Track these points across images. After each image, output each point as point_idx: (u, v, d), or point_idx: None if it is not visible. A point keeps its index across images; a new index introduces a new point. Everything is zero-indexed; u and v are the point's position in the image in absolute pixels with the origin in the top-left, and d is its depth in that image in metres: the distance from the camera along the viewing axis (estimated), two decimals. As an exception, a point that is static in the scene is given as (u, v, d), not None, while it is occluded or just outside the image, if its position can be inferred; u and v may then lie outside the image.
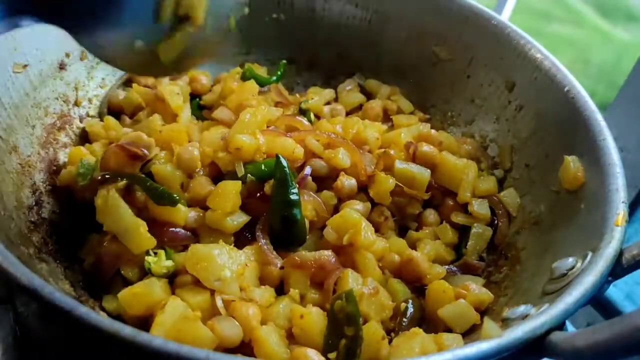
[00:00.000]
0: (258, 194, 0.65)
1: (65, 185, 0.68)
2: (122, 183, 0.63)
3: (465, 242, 0.71)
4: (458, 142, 0.82)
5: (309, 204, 0.66)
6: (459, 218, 0.72)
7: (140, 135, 0.68)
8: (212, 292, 0.57)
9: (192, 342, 0.49)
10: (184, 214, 0.62)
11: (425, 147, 0.73)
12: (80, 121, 0.78)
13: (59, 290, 0.43)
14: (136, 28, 0.49)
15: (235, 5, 0.58)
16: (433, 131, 0.79)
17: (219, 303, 0.55)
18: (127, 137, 0.68)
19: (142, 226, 0.58)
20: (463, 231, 0.73)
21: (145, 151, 0.66)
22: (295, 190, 0.63)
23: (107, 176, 0.64)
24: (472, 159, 0.79)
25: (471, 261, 0.69)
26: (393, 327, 0.60)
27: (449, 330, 0.58)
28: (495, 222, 0.73)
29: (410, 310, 0.60)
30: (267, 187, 0.65)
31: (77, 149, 0.70)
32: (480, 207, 0.72)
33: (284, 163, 0.64)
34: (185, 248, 0.60)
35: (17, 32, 0.65)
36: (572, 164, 0.63)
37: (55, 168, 0.71)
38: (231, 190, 0.62)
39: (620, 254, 0.52)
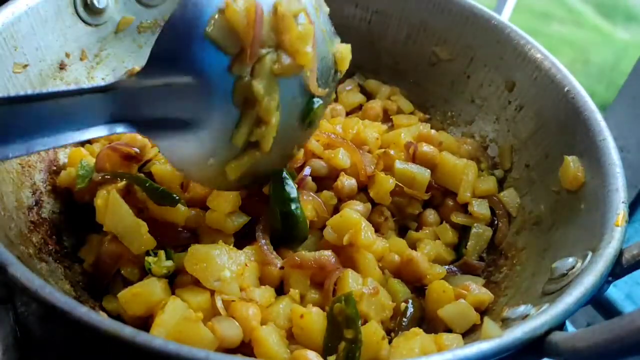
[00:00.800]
0: (258, 194, 0.65)
1: (65, 187, 0.68)
2: (122, 183, 0.63)
3: (465, 242, 0.71)
4: (458, 142, 0.82)
5: (308, 204, 0.66)
6: (459, 218, 0.72)
7: (135, 135, 0.68)
8: (212, 293, 0.57)
9: (193, 343, 0.49)
10: (183, 214, 0.62)
11: (425, 147, 0.73)
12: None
13: (59, 291, 0.43)
14: (213, 147, 0.53)
15: (302, 139, 0.63)
16: (433, 131, 0.79)
17: (219, 303, 0.55)
18: (123, 138, 0.68)
19: (143, 227, 0.58)
20: (463, 231, 0.73)
21: (137, 150, 0.66)
22: (293, 187, 0.63)
23: (106, 177, 0.64)
24: (472, 159, 0.79)
25: (471, 261, 0.69)
26: (393, 327, 0.60)
27: (449, 330, 0.58)
28: (495, 222, 0.73)
29: (410, 310, 0.60)
30: (266, 188, 0.65)
31: (76, 150, 0.70)
32: (480, 207, 0.72)
33: (282, 162, 0.64)
34: (185, 248, 0.60)
35: (17, 32, 0.65)
36: (572, 164, 0.63)
37: (55, 168, 0.71)
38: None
39: (620, 254, 0.52)
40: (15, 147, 0.43)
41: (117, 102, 0.46)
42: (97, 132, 0.47)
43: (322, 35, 0.56)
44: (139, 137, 0.69)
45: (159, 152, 0.70)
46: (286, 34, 0.50)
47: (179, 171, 0.59)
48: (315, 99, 0.57)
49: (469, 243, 0.70)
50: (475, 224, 0.71)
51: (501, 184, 0.77)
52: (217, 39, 0.46)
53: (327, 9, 0.61)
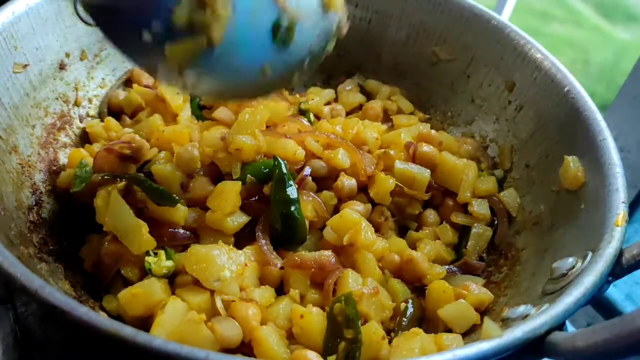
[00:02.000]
0: (258, 194, 0.65)
1: (65, 187, 0.68)
2: (122, 184, 0.63)
3: (465, 242, 0.71)
4: (458, 142, 0.82)
5: (308, 204, 0.66)
6: (459, 218, 0.72)
7: (133, 136, 0.68)
8: (212, 293, 0.57)
9: (194, 343, 0.49)
10: (183, 214, 0.62)
11: (425, 147, 0.73)
12: (81, 121, 0.78)
13: (59, 291, 0.43)
14: (147, 17, 0.48)
15: (279, 62, 0.56)
16: (433, 131, 0.79)
17: (219, 304, 0.55)
18: (121, 138, 0.69)
19: (144, 227, 0.58)
20: (463, 231, 0.73)
21: (131, 149, 0.66)
22: (294, 188, 0.63)
23: (106, 177, 0.64)
24: (472, 159, 0.79)
25: (471, 261, 0.69)
26: (393, 327, 0.60)
27: (449, 330, 0.58)
28: (495, 222, 0.73)
29: (410, 310, 0.60)
30: (267, 189, 0.65)
31: (76, 151, 0.70)
32: (480, 207, 0.72)
33: (282, 162, 0.64)
34: (185, 248, 0.60)
35: (17, 32, 0.65)
36: (572, 164, 0.63)
37: (55, 168, 0.71)
38: (231, 190, 0.62)
39: (620, 254, 0.52)
40: None
41: None
42: None
43: None
44: (137, 137, 0.69)
45: (158, 152, 0.70)
46: None
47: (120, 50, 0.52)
48: (285, 16, 0.53)
49: (469, 243, 0.70)
50: (475, 224, 0.71)
51: (501, 184, 0.77)
52: None
53: None
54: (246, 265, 0.59)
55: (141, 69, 0.56)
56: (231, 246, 0.60)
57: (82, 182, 0.65)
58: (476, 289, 0.61)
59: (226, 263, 0.57)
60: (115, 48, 0.52)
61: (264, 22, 0.53)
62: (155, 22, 0.48)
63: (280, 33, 0.54)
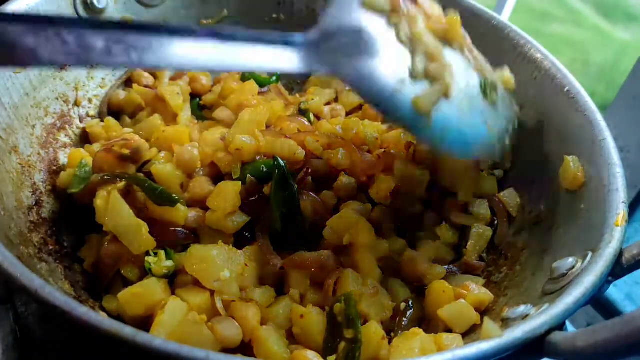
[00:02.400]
0: (258, 194, 0.65)
1: (65, 188, 0.68)
2: (122, 184, 0.63)
3: (465, 242, 0.71)
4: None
5: (308, 203, 0.66)
6: (459, 218, 0.72)
7: (132, 136, 0.68)
8: (212, 293, 0.57)
9: (195, 344, 0.49)
10: (183, 214, 0.62)
11: (425, 147, 0.73)
12: (81, 121, 0.78)
13: (59, 291, 0.42)
14: (395, 72, 0.56)
15: (491, 116, 0.65)
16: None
17: (219, 304, 0.55)
18: (119, 141, 0.68)
19: (144, 227, 0.58)
20: (463, 231, 0.73)
21: (130, 149, 0.66)
22: (294, 189, 0.63)
23: (106, 177, 0.64)
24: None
25: (471, 261, 0.69)
26: (393, 327, 0.59)
27: (449, 330, 0.58)
28: (495, 222, 0.73)
29: (410, 310, 0.60)
30: (267, 189, 0.65)
31: (76, 151, 0.70)
32: (480, 207, 0.72)
33: (282, 162, 0.64)
34: (185, 248, 0.60)
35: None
36: (572, 164, 0.63)
37: (55, 168, 0.71)
38: (231, 190, 0.62)
39: (620, 254, 0.52)
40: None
41: (303, 53, 0.53)
42: (290, 69, 0.53)
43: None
44: (135, 137, 0.69)
45: (158, 152, 0.70)
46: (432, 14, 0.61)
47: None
48: (486, 79, 0.64)
49: (469, 243, 0.70)
50: (475, 224, 0.71)
51: (501, 184, 0.77)
52: (372, 4, 0.56)
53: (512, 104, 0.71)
54: (246, 265, 0.59)
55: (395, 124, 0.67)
56: (231, 246, 0.60)
57: (81, 183, 0.65)
58: (476, 289, 0.61)
59: (226, 263, 0.57)
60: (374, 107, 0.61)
61: (474, 82, 0.62)
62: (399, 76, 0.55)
63: (488, 91, 0.63)
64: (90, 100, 0.81)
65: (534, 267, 0.62)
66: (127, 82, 0.85)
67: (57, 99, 0.75)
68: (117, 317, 0.58)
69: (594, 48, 2.45)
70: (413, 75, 0.55)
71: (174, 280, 0.60)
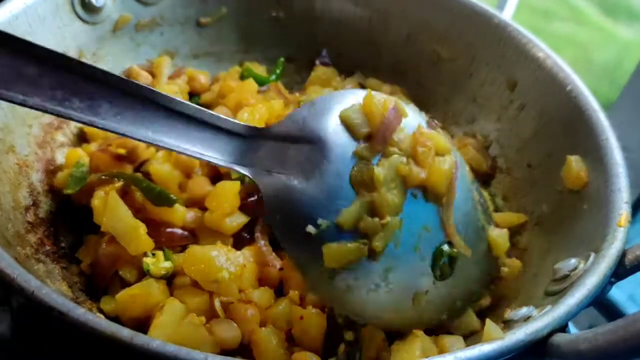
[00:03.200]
0: (257, 195, 0.65)
1: (62, 188, 0.67)
2: (119, 184, 0.62)
3: None
4: (459, 142, 0.81)
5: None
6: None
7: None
8: (211, 294, 0.56)
9: (194, 346, 0.49)
10: (181, 214, 0.62)
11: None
12: (79, 121, 0.78)
13: (56, 292, 0.42)
14: (318, 211, 0.49)
15: (434, 294, 0.53)
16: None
17: (217, 305, 0.55)
18: (114, 141, 0.68)
19: (142, 228, 0.58)
20: None
21: (126, 148, 0.66)
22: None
23: (103, 177, 0.64)
24: (474, 158, 0.79)
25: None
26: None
27: (450, 332, 0.58)
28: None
29: None
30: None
31: (73, 151, 0.70)
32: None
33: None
34: (183, 249, 0.60)
35: (15, 31, 0.65)
36: (575, 163, 0.63)
37: (52, 168, 0.71)
38: (230, 190, 0.62)
39: (623, 254, 0.51)
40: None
41: (242, 147, 0.51)
42: (215, 160, 0.51)
43: (471, 202, 0.56)
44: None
45: (156, 152, 0.70)
46: (421, 153, 0.51)
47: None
48: (448, 246, 0.53)
49: None
50: None
51: (503, 186, 0.77)
52: (350, 119, 0.50)
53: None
54: (245, 266, 0.58)
55: (292, 262, 0.55)
56: (230, 247, 0.60)
57: (78, 184, 0.65)
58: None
59: (225, 264, 0.56)
60: (276, 234, 0.51)
61: (427, 246, 0.52)
62: (321, 219, 0.48)
63: (441, 263, 0.53)
64: (88, 100, 0.80)
65: (536, 268, 0.62)
66: (126, 81, 0.84)
67: (55, 98, 0.74)
68: (115, 318, 0.57)
69: (596, 47, 2.44)
70: (340, 220, 0.48)
71: (173, 281, 0.59)
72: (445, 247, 0.53)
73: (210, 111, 0.53)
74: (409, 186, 0.50)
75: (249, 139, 0.51)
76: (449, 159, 0.53)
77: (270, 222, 0.51)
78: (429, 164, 0.51)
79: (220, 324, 0.53)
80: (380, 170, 0.48)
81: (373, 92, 0.52)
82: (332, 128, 0.50)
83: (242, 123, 0.52)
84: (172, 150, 0.51)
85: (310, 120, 0.50)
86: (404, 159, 0.50)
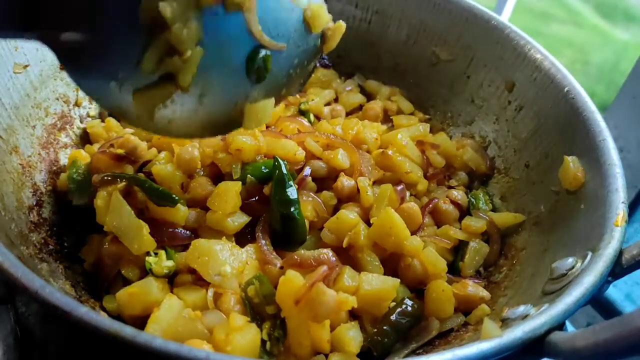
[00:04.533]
0: (258, 195, 0.65)
1: (65, 189, 0.68)
2: (122, 184, 0.63)
3: (461, 255, 0.69)
4: (458, 143, 0.82)
5: (308, 204, 0.66)
6: (454, 233, 0.69)
7: (128, 137, 0.68)
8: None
9: (188, 339, 0.49)
10: (184, 214, 0.62)
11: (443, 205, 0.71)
12: (81, 121, 0.79)
13: (59, 291, 0.43)
14: (115, 70, 0.47)
15: (252, 96, 0.52)
16: (430, 135, 0.79)
17: (210, 295, 0.56)
18: (116, 141, 0.68)
19: (144, 227, 0.58)
20: (456, 251, 0.70)
21: (125, 149, 0.66)
22: (294, 189, 0.63)
23: (106, 178, 0.64)
24: (472, 159, 0.79)
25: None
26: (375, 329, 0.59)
27: (443, 333, 0.59)
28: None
29: (410, 305, 0.60)
30: (267, 189, 0.65)
31: (77, 152, 0.70)
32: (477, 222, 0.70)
33: (282, 163, 0.64)
34: (185, 248, 0.60)
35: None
36: (572, 164, 0.63)
37: (55, 168, 0.71)
38: (231, 190, 0.62)
39: (619, 254, 0.52)
40: None
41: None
42: None
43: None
44: (132, 137, 0.69)
45: (158, 153, 0.70)
46: None
47: (88, 95, 0.51)
48: (262, 49, 0.50)
49: (466, 257, 0.68)
50: (472, 240, 0.69)
51: (500, 185, 0.77)
52: None
53: None
54: (247, 263, 0.59)
55: (109, 111, 0.54)
56: (234, 243, 0.61)
57: (79, 188, 0.66)
58: (473, 290, 0.62)
59: (228, 259, 0.57)
60: (81, 89, 0.50)
61: (238, 56, 0.50)
62: (122, 70, 0.46)
63: (256, 67, 0.51)
64: (90, 101, 0.81)
65: (534, 267, 0.62)
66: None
67: (58, 99, 0.75)
68: (118, 317, 0.58)
69: (593, 48, 2.45)
70: (143, 69, 0.46)
71: (174, 280, 0.60)
72: (261, 52, 0.50)
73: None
74: (204, 4, 0.46)
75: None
76: None
77: (79, 85, 0.49)
78: None
79: (209, 314, 0.54)
80: (167, 5, 0.44)
81: None
82: None
83: None
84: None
85: None
86: None
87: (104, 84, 0.47)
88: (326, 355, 0.54)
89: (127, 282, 0.60)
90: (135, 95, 0.48)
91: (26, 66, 0.68)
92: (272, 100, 0.54)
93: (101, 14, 0.45)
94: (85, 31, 0.45)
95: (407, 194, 0.72)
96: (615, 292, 0.93)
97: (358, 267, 0.62)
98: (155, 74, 0.47)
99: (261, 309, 0.56)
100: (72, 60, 0.47)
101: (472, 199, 0.75)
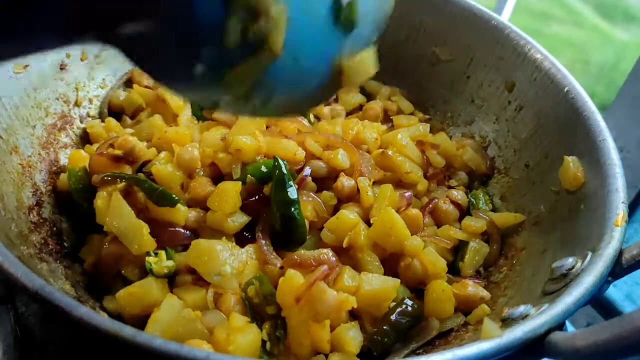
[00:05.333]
0: (258, 195, 0.65)
1: (65, 190, 0.68)
2: (122, 185, 0.63)
3: (461, 255, 0.69)
4: (458, 143, 0.82)
5: (308, 204, 0.66)
6: (454, 233, 0.69)
7: (126, 137, 0.68)
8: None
9: (188, 338, 0.49)
10: (183, 214, 0.62)
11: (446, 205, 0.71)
12: (81, 122, 0.79)
13: (59, 291, 0.43)
14: (195, 47, 0.41)
15: (346, 48, 0.48)
16: (431, 135, 0.79)
17: (209, 296, 0.56)
18: (114, 141, 0.68)
19: (145, 228, 0.59)
20: (456, 251, 0.70)
21: (123, 150, 0.66)
22: (294, 189, 0.63)
23: (106, 178, 0.64)
24: (472, 159, 0.79)
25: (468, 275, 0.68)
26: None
27: (442, 333, 0.59)
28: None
29: (410, 305, 0.60)
30: (267, 189, 0.65)
31: (77, 152, 0.70)
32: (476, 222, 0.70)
33: (282, 163, 0.64)
34: (185, 248, 0.60)
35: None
36: (572, 164, 0.63)
37: (55, 169, 0.71)
38: (231, 190, 0.62)
39: (620, 254, 0.52)
40: None
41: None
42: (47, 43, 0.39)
43: None
44: (130, 138, 0.69)
45: (158, 153, 0.70)
46: None
47: (169, 88, 0.44)
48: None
49: (466, 257, 0.68)
50: (472, 239, 0.69)
51: (500, 185, 0.77)
52: None
53: None
54: (247, 263, 0.59)
55: (199, 103, 0.49)
56: (234, 243, 0.61)
57: (83, 198, 0.66)
58: (473, 290, 0.62)
59: (228, 259, 0.57)
60: (164, 86, 0.44)
61: (322, 5, 0.44)
62: (205, 50, 0.40)
63: (343, 14, 0.46)
64: (90, 101, 0.81)
65: (534, 267, 0.62)
66: (128, 83, 0.85)
67: (58, 99, 0.75)
68: (118, 317, 0.58)
69: (593, 48, 2.45)
70: (226, 43, 0.38)
71: (174, 280, 0.60)
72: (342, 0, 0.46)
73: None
74: None
75: None
76: None
77: (158, 79, 0.43)
78: None
79: (209, 314, 0.54)
80: None
81: None
82: None
83: None
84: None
85: None
86: None
87: (186, 72, 0.41)
88: (326, 355, 0.54)
89: (127, 282, 0.60)
90: (226, 77, 0.41)
91: (26, 66, 0.68)
92: (371, 51, 0.50)
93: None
94: (151, 18, 0.38)
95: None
96: (615, 292, 0.93)
97: (358, 267, 0.62)
98: (242, 46, 0.40)
99: (261, 309, 0.56)
100: (145, 55, 0.41)
101: (472, 199, 0.75)
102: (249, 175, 0.65)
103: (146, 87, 0.83)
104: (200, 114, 0.84)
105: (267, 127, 0.73)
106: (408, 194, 0.71)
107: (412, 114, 0.89)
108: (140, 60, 0.42)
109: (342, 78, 0.49)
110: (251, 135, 0.67)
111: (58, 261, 0.62)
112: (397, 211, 0.65)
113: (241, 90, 0.43)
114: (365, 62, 0.50)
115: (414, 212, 0.68)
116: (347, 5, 0.46)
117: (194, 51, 0.40)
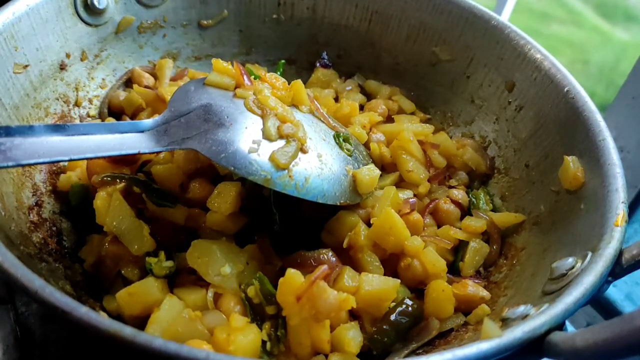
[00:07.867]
0: (258, 195, 0.65)
1: (65, 190, 0.68)
2: (121, 185, 0.63)
3: (462, 255, 0.69)
4: (458, 143, 0.82)
5: (308, 204, 0.66)
6: (454, 233, 0.70)
7: None
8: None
9: (188, 339, 0.49)
10: (183, 214, 0.62)
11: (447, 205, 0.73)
12: (81, 121, 0.79)
13: (59, 291, 0.42)
14: (248, 137, 0.61)
15: (350, 163, 0.69)
16: (432, 133, 0.79)
17: (209, 296, 0.56)
18: None
19: (145, 228, 0.59)
20: (456, 251, 0.70)
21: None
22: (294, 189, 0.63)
23: (106, 178, 0.64)
24: (472, 159, 0.79)
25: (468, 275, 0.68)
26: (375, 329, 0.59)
27: (443, 332, 0.59)
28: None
29: (410, 305, 0.60)
30: (267, 189, 0.65)
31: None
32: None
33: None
34: (185, 248, 0.60)
35: (18, 33, 0.66)
36: (572, 164, 0.63)
37: (55, 169, 0.71)
38: (231, 191, 0.62)
39: (620, 254, 0.52)
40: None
41: (152, 136, 0.58)
42: (141, 150, 0.57)
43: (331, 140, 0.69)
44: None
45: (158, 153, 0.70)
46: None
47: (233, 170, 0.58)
48: (337, 135, 0.70)
49: (466, 257, 0.68)
50: (472, 239, 0.69)
51: (501, 184, 0.77)
52: (215, 82, 0.65)
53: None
54: (247, 263, 0.59)
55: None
56: (234, 243, 0.61)
57: (82, 203, 0.67)
58: (473, 290, 0.61)
59: (228, 259, 0.57)
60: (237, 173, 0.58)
61: (327, 137, 0.68)
62: (256, 146, 0.60)
63: (342, 142, 0.69)
64: (90, 101, 0.81)
65: (534, 267, 0.62)
66: (128, 83, 0.85)
67: (58, 99, 0.75)
68: (118, 317, 0.58)
69: (593, 48, 2.45)
70: (266, 136, 0.60)
71: (174, 280, 0.60)
72: (341, 133, 0.70)
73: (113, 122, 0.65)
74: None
75: (153, 130, 0.59)
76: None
77: (222, 163, 0.57)
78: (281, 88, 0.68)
79: (209, 314, 0.54)
80: (262, 94, 0.64)
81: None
82: (209, 91, 0.63)
83: (143, 121, 0.60)
84: (98, 157, 0.57)
85: (191, 96, 0.63)
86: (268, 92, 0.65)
87: (248, 161, 0.58)
88: (326, 355, 0.54)
89: (127, 282, 0.60)
90: (271, 157, 0.59)
91: (26, 66, 0.68)
92: (373, 167, 0.67)
93: (223, 117, 0.61)
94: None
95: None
96: (615, 292, 0.93)
97: (358, 268, 0.62)
98: (278, 139, 0.61)
99: (261, 309, 0.56)
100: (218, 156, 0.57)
101: (473, 199, 0.75)
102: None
103: (146, 87, 0.83)
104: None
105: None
106: (413, 200, 0.71)
107: (412, 113, 0.89)
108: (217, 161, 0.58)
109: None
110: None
111: (58, 261, 0.62)
112: (400, 215, 0.65)
113: (282, 166, 0.60)
114: (366, 174, 0.67)
115: (415, 217, 0.68)
116: (343, 138, 0.71)
117: (252, 146, 0.60)
